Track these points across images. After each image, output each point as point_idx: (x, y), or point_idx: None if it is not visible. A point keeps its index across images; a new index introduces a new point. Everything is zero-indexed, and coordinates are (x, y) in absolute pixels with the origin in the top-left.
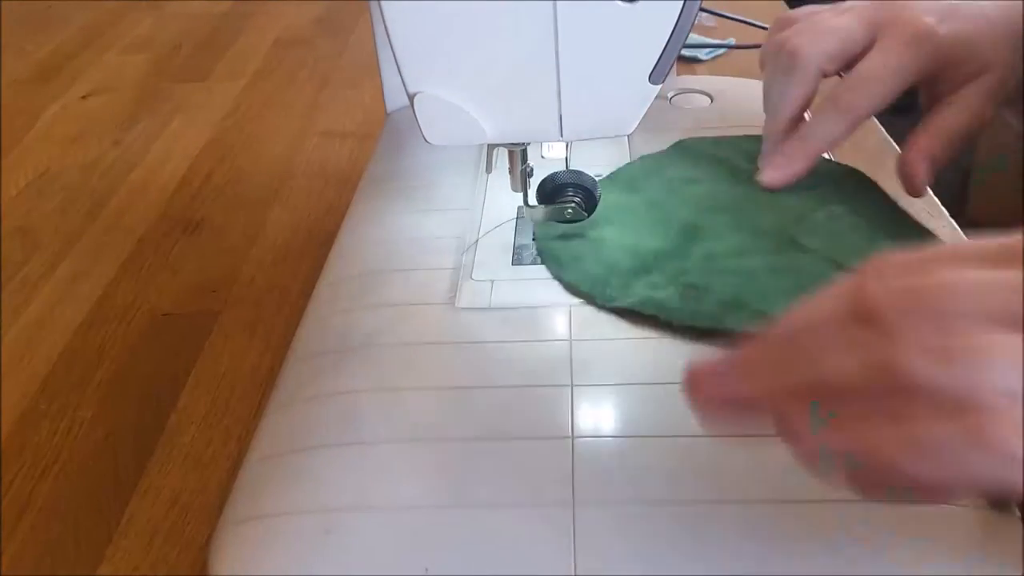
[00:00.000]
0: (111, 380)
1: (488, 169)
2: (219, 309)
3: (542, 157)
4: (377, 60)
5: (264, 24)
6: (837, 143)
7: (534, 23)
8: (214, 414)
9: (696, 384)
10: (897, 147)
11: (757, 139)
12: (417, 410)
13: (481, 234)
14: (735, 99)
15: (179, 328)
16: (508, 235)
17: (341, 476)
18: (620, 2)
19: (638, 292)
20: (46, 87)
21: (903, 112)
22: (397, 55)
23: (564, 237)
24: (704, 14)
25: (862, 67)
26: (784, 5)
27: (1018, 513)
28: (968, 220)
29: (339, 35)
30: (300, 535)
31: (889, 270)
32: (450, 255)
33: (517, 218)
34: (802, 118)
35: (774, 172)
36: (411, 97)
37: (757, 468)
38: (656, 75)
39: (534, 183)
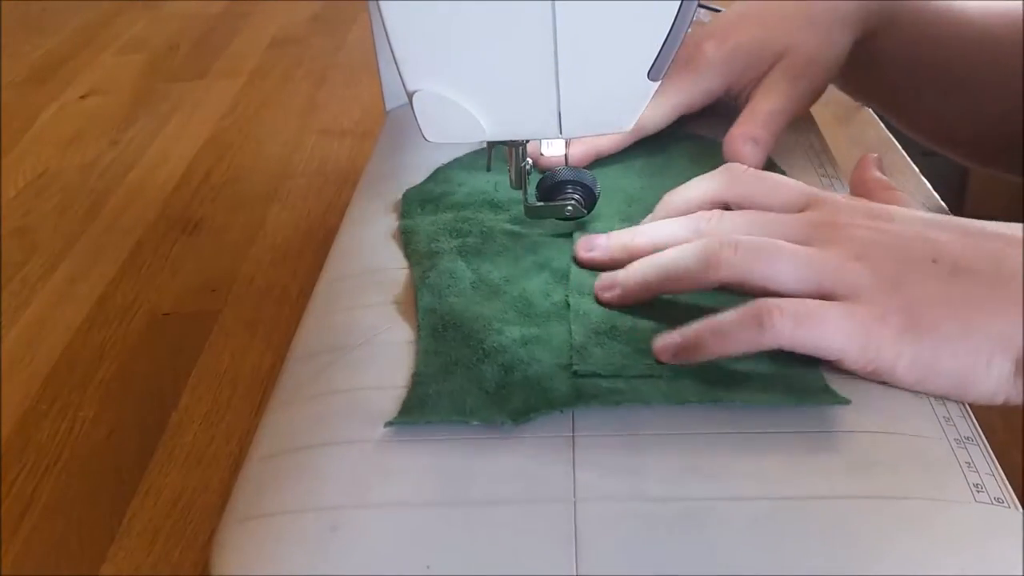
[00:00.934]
0: (112, 380)
1: (488, 167)
2: (219, 308)
3: (541, 155)
4: (376, 58)
5: (260, 23)
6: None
7: (532, 20)
8: (215, 413)
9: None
10: (898, 145)
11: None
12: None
13: None
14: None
15: (179, 328)
16: None
17: (342, 475)
18: None
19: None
20: (44, 88)
21: (933, 153)
22: (395, 53)
23: None
24: (702, 10)
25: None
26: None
27: (1019, 510)
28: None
29: (336, 33)
30: (302, 534)
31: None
32: None
33: None
34: None
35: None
36: (410, 95)
37: (757, 467)
38: (655, 72)
39: (533, 180)
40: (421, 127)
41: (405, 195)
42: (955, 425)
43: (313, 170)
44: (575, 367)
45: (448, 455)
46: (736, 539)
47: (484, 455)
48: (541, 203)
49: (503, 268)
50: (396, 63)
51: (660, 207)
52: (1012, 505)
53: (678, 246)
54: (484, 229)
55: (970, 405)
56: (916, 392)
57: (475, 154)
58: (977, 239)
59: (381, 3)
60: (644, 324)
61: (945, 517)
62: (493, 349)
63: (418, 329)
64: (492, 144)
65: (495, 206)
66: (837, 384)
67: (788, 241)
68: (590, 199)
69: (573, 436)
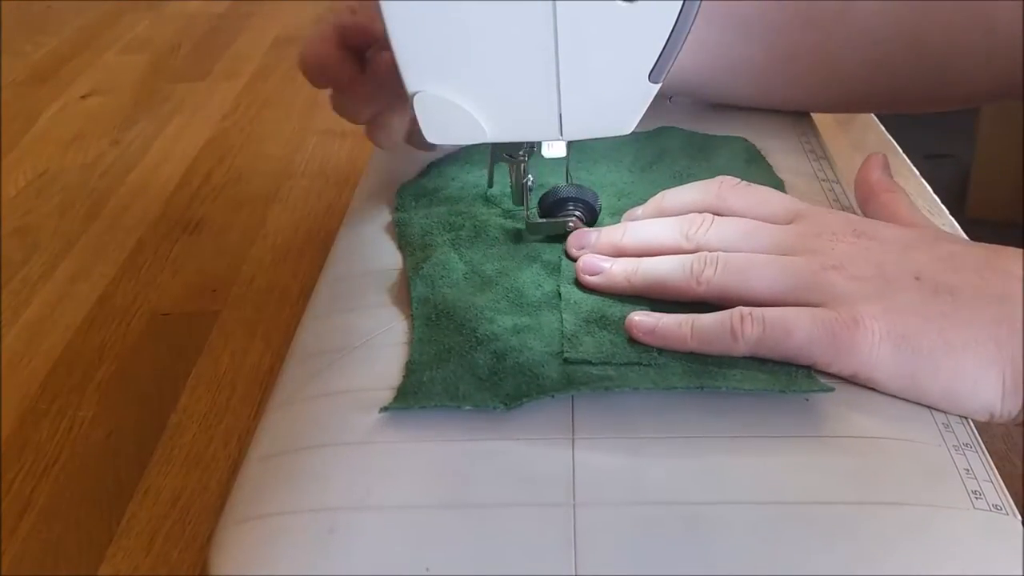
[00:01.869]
0: (111, 380)
1: (489, 183)
2: (219, 309)
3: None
4: None
5: (263, 23)
6: None
7: (534, 22)
8: (214, 414)
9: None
10: (899, 147)
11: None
12: (417, 410)
13: None
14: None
15: (179, 328)
16: None
17: (342, 476)
18: (620, 1)
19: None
20: (45, 87)
21: (934, 156)
22: (397, 54)
23: None
24: None
25: None
26: None
27: (1017, 517)
28: (968, 218)
29: None
30: (301, 535)
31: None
32: None
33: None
34: None
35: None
36: (411, 96)
37: (757, 471)
38: (656, 74)
39: (535, 196)
40: (422, 128)
41: (400, 189)
42: (954, 432)
43: (314, 171)
44: (566, 354)
45: (447, 457)
46: (735, 543)
47: (483, 457)
48: (543, 219)
49: (495, 260)
50: (398, 64)
51: (651, 205)
52: (1010, 512)
53: (664, 257)
54: (477, 223)
55: None
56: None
57: (468, 149)
58: (960, 261)
59: (383, 4)
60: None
61: (943, 523)
62: (486, 337)
63: (411, 319)
64: (493, 160)
65: (488, 200)
66: (836, 386)
67: (772, 250)
68: (591, 215)
69: (573, 438)
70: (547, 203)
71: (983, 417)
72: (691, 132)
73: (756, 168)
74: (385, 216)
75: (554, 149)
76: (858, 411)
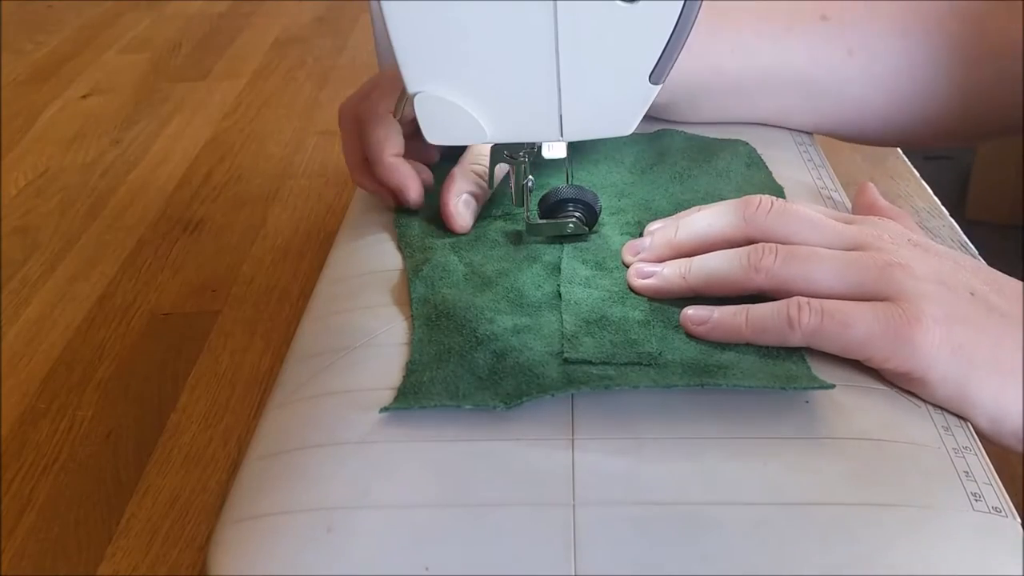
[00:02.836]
0: (111, 380)
1: (490, 185)
2: (219, 309)
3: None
4: (377, 59)
5: (263, 23)
6: None
7: (534, 23)
8: (214, 414)
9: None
10: (899, 150)
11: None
12: (417, 410)
13: None
14: None
15: (179, 328)
16: None
17: (341, 475)
18: (620, 2)
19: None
20: (45, 87)
21: (934, 157)
22: (397, 55)
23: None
24: None
25: None
26: None
27: (1017, 519)
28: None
29: (338, 34)
30: (299, 534)
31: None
32: None
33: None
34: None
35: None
36: (411, 97)
37: (757, 472)
38: (656, 75)
39: (535, 198)
40: (423, 129)
41: None
42: (953, 434)
43: (314, 171)
44: (566, 354)
45: (446, 456)
46: (734, 544)
47: (483, 457)
48: (543, 221)
49: (495, 261)
50: (398, 65)
51: (687, 225)
52: (1010, 515)
53: (717, 252)
54: (477, 224)
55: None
56: (915, 401)
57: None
58: (1001, 287)
59: (384, 5)
60: (634, 315)
61: (943, 526)
62: (486, 337)
63: (411, 319)
64: (494, 162)
65: (488, 201)
66: (837, 388)
67: (835, 242)
68: (591, 216)
69: (573, 439)
70: (547, 204)
71: (1014, 442)
72: (692, 135)
73: (756, 172)
74: (385, 217)
75: (554, 150)
76: (858, 413)
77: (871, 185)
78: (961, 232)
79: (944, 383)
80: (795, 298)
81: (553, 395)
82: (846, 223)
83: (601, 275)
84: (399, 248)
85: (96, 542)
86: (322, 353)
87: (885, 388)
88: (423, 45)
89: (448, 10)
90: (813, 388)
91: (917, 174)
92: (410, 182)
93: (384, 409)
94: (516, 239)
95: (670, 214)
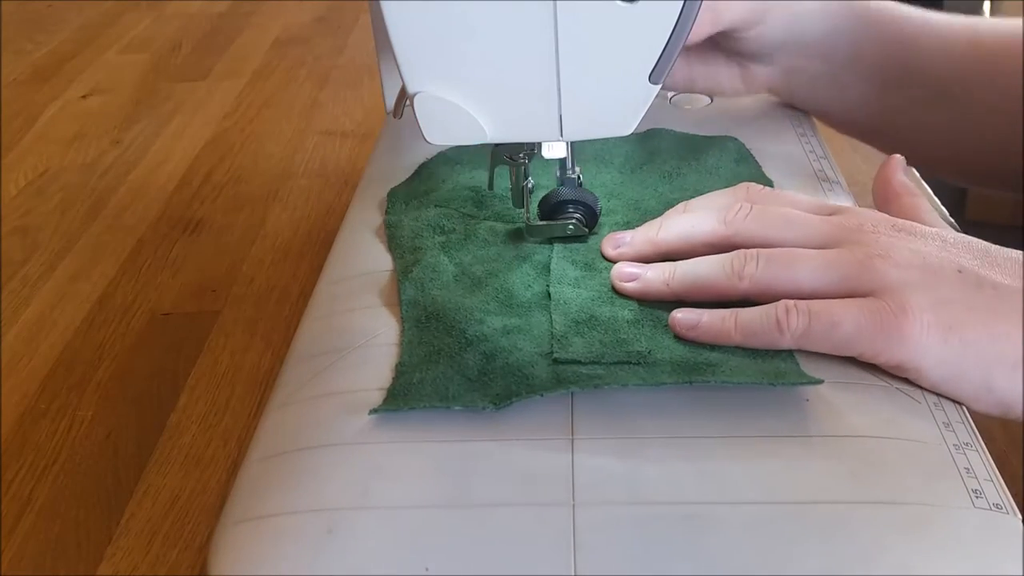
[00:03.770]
0: (111, 380)
1: (489, 186)
2: (219, 309)
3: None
4: (377, 59)
5: (263, 23)
6: None
7: (534, 23)
8: (214, 414)
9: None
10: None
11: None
12: (417, 410)
13: None
14: (735, 99)
15: (179, 328)
16: None
17: (341, 476)
18: (620, 2)
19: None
20: (45, 87)
21: None
22: (397, 55)
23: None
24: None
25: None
26: None
27: (1018, 516)
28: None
29: (339, 34)
30: (299, 535)
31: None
32: None
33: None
34: None
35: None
36: (411, 97)
37: (756, 471)
38: (656, 75)
39: (535, 199)
40: (423, 129)
41: (390, 193)
42: (954, 431)
43: (314, 171)
44: (555, 354)
45: (446, 457)
46: (734, 543)
47: (482, 457)
48: (543, 222)
49: (485, 262)
50: (397, 65)
51: (675, 210)
52: (1011, 511)
53: (702, 258)
54: (467, 225)
55: (972, 412)
56: (915, 397)
57: (458, 149)
58: (994, 259)
59: (383, 5)
60: (623, 314)
61: (943, 522)
62: (475, 338)
63: (401, 321)
64: (494, 163)
65: (478, 202)
66: (832, 385)
67: (814, 238)
68: (591, 218)
69: (572, 439)
70: (547, 206)
71: (1014, 412)
72: (682, 133)
73: (746, 167)
74: (384, 218)
75: (554, 150)
76: (858, 410)
77: (897, 158)
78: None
79: (940, 366)
80: (782, 302)
81: (542, 395)
82: (828, 214)
83: (590, 275)
84: (389, 250)
85: (96, 542)
86: (322, 353)
87: (885, 384)
88: (423, 45)
89: (448, 10)
90: (801, 384)
91: (917, 174)
92: None
93: (374, 411)
94: (506, 239)
95: (660, 214)
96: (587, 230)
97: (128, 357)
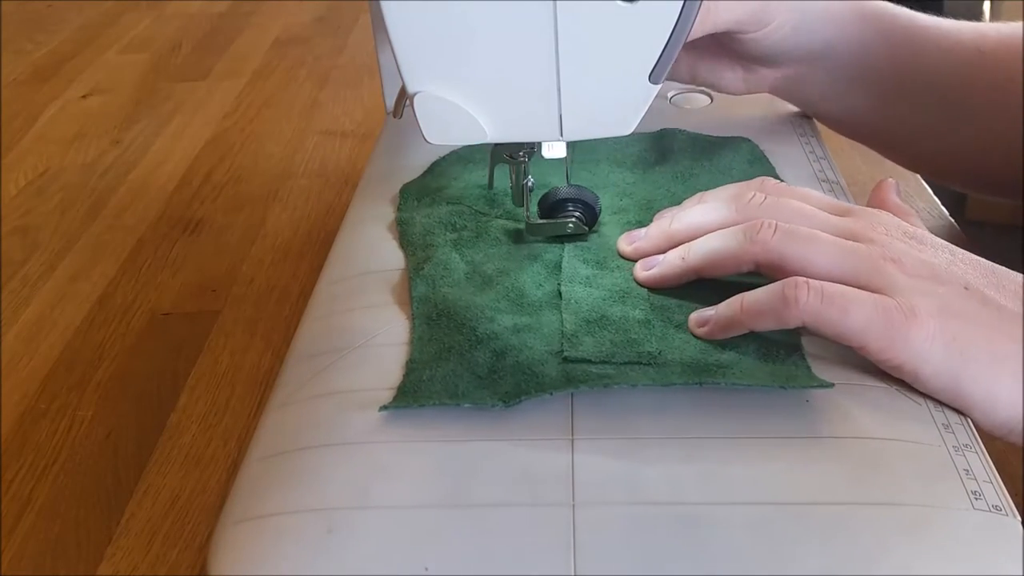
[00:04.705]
0: (111, 380)
1: (489, 185)
2: (219, 309)
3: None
4: (377, 59)
5: (263, 23)
6: None
7: (534, 22)
8: (214, 414)
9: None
10: None
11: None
12: (417, 409)
13: None
14: (735, 99)
15: (179, 328)
16: None
17: (341, 475)
18: (620, 1)
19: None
20: (45, 87)
21: None
22: (397, 55)
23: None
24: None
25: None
26: None
27: (1017, 518)
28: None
29: (339, 34)
30: (299, 535)
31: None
32: None
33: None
34: None
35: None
36: (411, 97)
37: (756, 472)
38: (656, 75)
39: (535, 198)
40: (422, 129)
41: (402, 189)
42: (954, 432)
43: (314, 171)
44: (566, 353)
45: (446, 457)
46: (734, 543)
47: (482, 457)
48: (543, 221)
49: (496, 260)
50: (397, 65)
51: (689, 203)
52: (1010, 513)
53: (718, 231)
54: (479, 223)
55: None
56: (915, 399)
57: (470, 147)
58: (1000, 280)
59: (383, 5)
60: (634, 314)
61: (943, 524)
62: (485, 336)
63: (412, 318)
64: (494, 162)
65: (490, 200)
66: (836, 387)
67: (828, 233)
68: (591, 216)
69: (572, 439)
70: (547, 204)
71: (1012, 436)
72: (695, 133)
73: (759, 169)
74: (385, 216)
75: (554, 150)
76: (858, 412)
77: (891, 181)
78: (961, 232)
79: (937, 377)
80: (793, 278)
81: (552, 394)
82: (841, 214)
83: (602, 274)
84: (401, 246)
85: (96, 542)
86: (322, 353)
87: (885, 386)
88: (423, 45)
89: (448, 10)
90: (812, 387)
91: (918, 176)
92: None
93: (384, 408)
94: (518, 238)
95: None
96: (587, 229)
97: (128, 357)
